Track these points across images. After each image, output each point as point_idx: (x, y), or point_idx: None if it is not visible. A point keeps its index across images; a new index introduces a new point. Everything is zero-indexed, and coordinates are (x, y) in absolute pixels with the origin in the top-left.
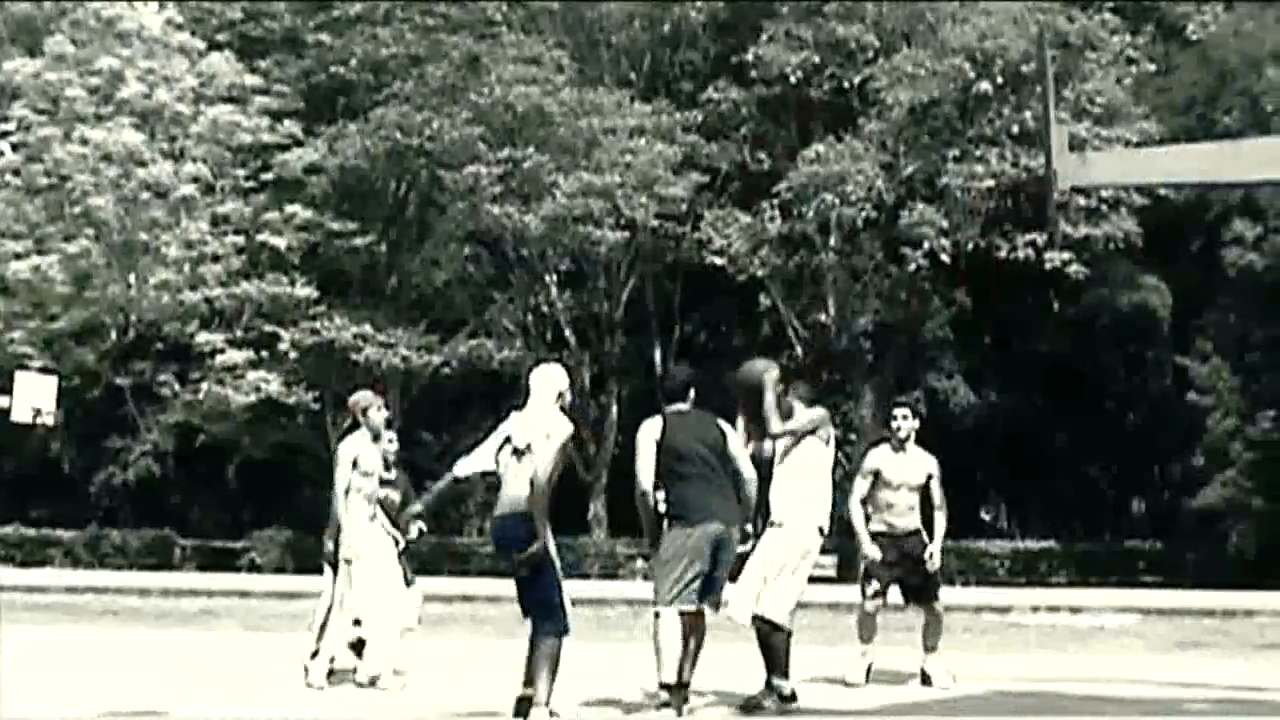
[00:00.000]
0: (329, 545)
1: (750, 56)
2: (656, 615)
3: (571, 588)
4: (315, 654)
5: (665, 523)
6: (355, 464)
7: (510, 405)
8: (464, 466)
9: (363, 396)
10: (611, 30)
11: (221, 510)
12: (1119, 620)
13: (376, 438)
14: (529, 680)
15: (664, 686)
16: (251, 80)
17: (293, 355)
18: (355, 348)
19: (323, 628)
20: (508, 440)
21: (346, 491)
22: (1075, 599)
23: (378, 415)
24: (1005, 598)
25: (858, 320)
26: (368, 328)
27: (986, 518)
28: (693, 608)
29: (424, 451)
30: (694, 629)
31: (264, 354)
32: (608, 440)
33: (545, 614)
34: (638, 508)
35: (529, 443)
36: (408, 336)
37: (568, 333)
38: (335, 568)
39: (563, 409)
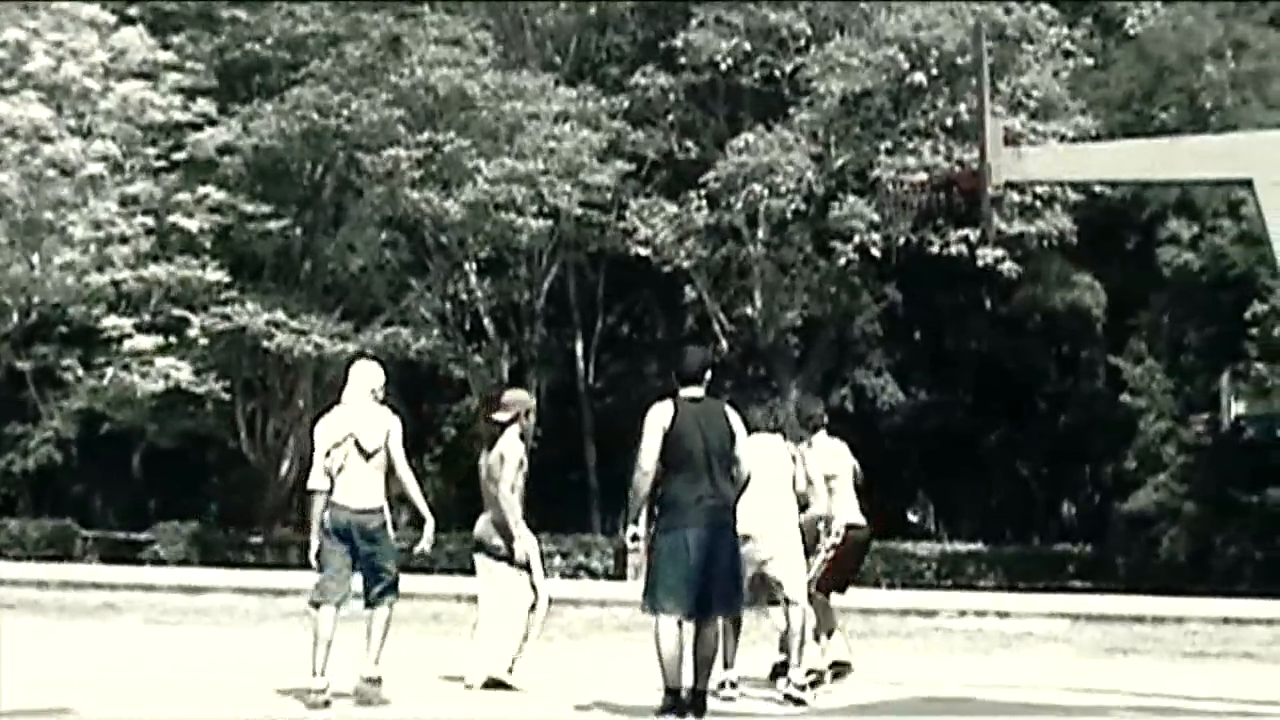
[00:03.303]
0: (495, 541)
1: (679, 42)
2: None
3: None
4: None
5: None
6: (520, 464)
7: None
8: (317, 480)
9: (526, 396)
10: (537, 13)
11: (125, 501)
12: (1047, 625)
13: (524, 437)
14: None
15: (668, 691)
16: (164, 56)
17: (202, 341)
18: (267, 334)
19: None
20: (349, 437)
21: (511, 489)
22: (1003, 603)
23: (532, 421)
24: (932, 601)
25: (785, 314)
26: (280, 314)
27: (914, 519)
28: (678, 615)
29: None
30: (702, 637)
31: (172, 339)
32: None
33: (390, 585)
34: (631, 489)
35: (376, 446)
36: (322, 323)
37: (487, 322)
38: (511, 562)
39: (380, 402)
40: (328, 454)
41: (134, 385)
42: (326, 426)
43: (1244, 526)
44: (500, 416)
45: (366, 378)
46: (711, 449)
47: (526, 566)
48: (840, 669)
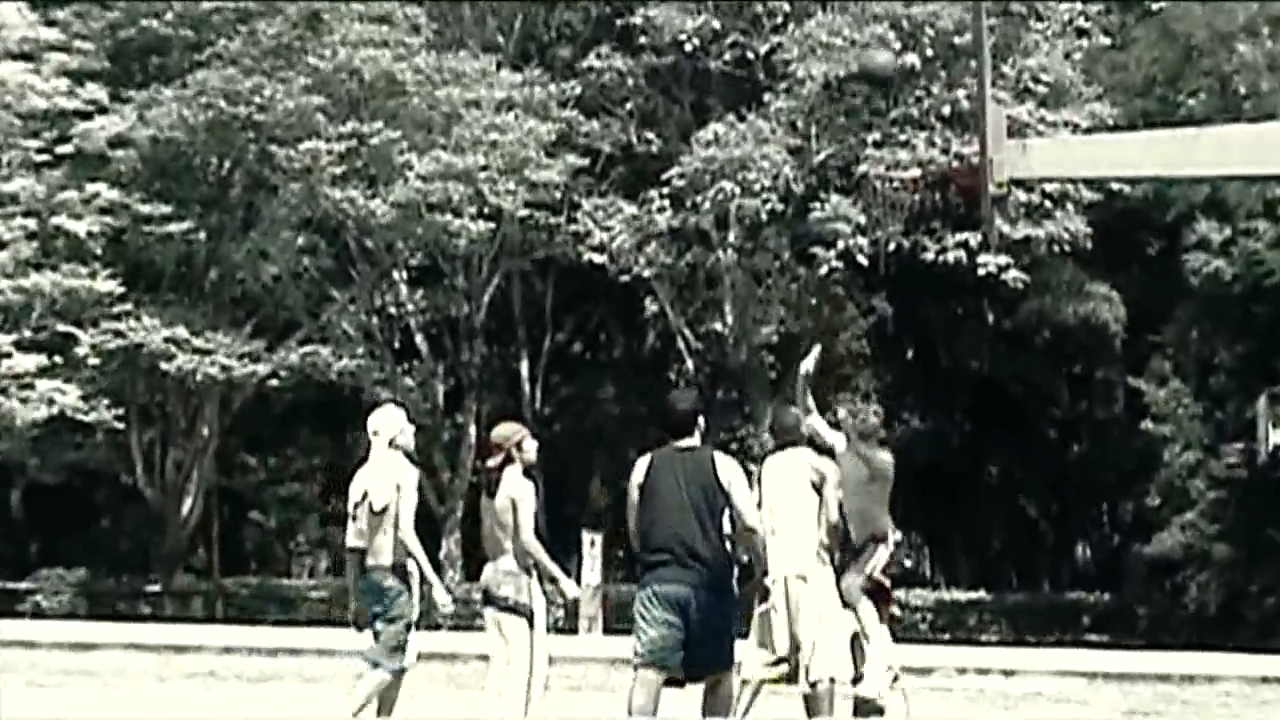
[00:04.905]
0: (502, 591)
1: (638, 19)
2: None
3: (425, 640)
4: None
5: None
6: None
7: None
8: (350, 539)
9: (516, 427)
10: None
11: (2, 544)
12: (1059, 685)
13: (529, 473)
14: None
15: None
16: (47, 34)
17: (92, 361)
18: (166, 354)
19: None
20: (365, 495)
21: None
22: (1009, 659)
23: (532, 447)
24: (927, 657)
25: (759, 330)
26: (181, 330)
27: (906, 563)
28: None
29: (246, 477)
30: (710, 697)
31: (57, 359)
32: (464, 467)
33: (386, 651)
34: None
35: (385, 502)
36: (229, 341)
37: (419, 339)
38: (531, 620)
39: (405, 454)
40: (354, 515)
41: (12, 412)
42: (353, 484)
43: None
44: (493, 462)
45: (382, 428)
46: (693, 503)
47: (531, 617)
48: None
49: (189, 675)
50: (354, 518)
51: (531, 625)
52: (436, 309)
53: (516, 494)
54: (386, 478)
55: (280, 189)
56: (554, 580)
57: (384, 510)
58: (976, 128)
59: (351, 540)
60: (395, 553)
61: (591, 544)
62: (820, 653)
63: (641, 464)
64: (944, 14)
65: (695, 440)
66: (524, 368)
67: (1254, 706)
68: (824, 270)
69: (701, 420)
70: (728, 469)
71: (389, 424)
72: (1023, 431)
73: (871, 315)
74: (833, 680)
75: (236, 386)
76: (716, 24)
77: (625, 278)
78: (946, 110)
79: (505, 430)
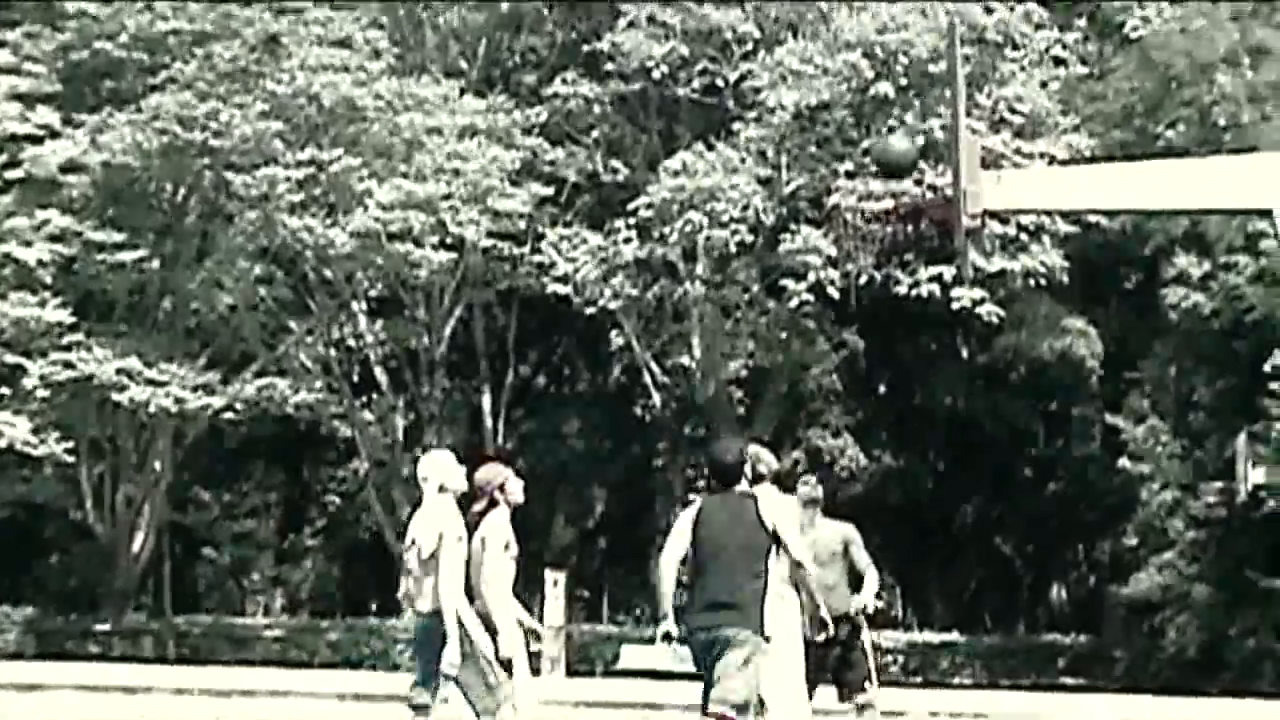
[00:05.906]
0: (481, 645)
1: (605, 45)
2: None
3: (385, 682)
4: None
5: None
6: (507, 547)
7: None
8: (410, 584)
9: (498, 469)
10: (439, 10)
11: None
12: None
13: (512, 515)
14: None
15: None
16: None
17: (41, 393)
18: (118, 385)
19: None
20: (414, 542)
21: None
22: (983, 703)
23: (518, 487)
24: (899, 700)
25: (728, 364)
26: (134, 361)
27: (878, 604)
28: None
29: (199, 513)
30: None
31: (5, 391)
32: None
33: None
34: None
35: (431, 549)
36: (183, 373)
37: (378, 372)
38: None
39: (457, 498)
40: (406, 561)
41: None
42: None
43: (1264, 615)
44: (477, 508)
45: (431, 474)
46: (733, 549)
47: (508, 665)
48: None
49: (140, 717)
50: (406, 563)
51: (509, 670)
52: (396, 341)
53: (489, 534)
54: (432, 525)
55: (236, 217)
56: (494, 632)
57: (431, 557)
58: (950, 158)
59: (409, 587)
60: (437, 599)
61: (554, 583)
62: (781, 703)
63: (692, 509)
64: (918, 42)
65: (744, 486)
66: (486, 402)
67: None
68: (794, 303)
69: (748, 468)
70: (771, 509)
71: (437, 470)
72: (997, 469)
73: (843, 349)
74: None
75: (190, 419)
76: (685, 50)
77: (590, 310)
78: (920, 140)
79: (487, 473)
